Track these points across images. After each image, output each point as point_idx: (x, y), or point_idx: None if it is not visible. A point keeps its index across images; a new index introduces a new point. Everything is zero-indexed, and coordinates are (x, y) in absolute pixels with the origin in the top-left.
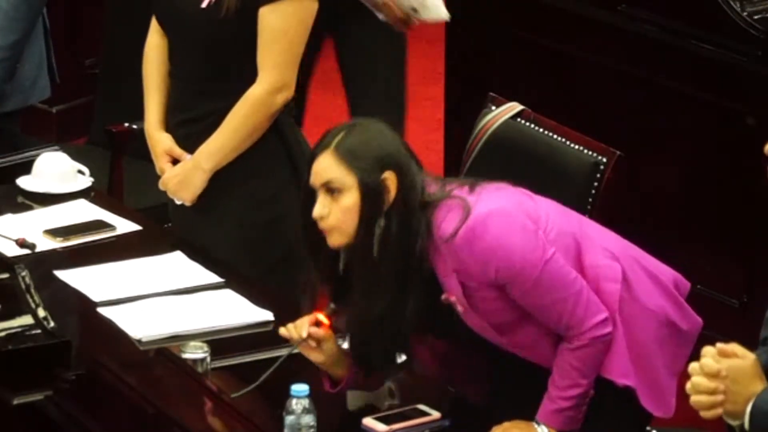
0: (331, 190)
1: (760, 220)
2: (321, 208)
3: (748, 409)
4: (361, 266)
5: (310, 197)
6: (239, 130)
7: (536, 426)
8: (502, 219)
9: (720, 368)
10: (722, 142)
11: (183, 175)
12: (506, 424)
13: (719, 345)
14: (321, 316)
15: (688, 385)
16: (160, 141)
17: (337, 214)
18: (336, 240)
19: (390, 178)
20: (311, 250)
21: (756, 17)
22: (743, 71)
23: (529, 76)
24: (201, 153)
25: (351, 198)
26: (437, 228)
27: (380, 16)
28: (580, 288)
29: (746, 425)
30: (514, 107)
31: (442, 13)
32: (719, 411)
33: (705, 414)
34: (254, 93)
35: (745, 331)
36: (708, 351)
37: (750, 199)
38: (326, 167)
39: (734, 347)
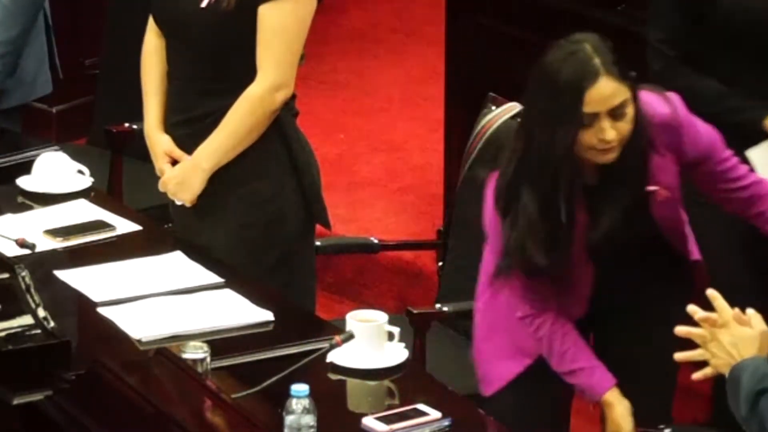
0: (617, 109)
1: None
2: (612, 131)
3: (727, 372)
4: (632, 174)
5: (576, 126)
6: (238, 129)
7: None
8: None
9: (713, 317)
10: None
11: (182, 175)
12: None
13: (737, 312)
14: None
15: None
16: (159, 142)
17: (626, 128)
18: (614, 154)
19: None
20: (571, 176)
21: None
22: None
23: (529, 76)
24: (200, 153)
25: (631, 109)
26: (650, 115)
27: None
28: None
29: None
30: (514, 107)
31: None
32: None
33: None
34: (253, 92)
35: None
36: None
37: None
38: (613, 92)
39: (751, 316)
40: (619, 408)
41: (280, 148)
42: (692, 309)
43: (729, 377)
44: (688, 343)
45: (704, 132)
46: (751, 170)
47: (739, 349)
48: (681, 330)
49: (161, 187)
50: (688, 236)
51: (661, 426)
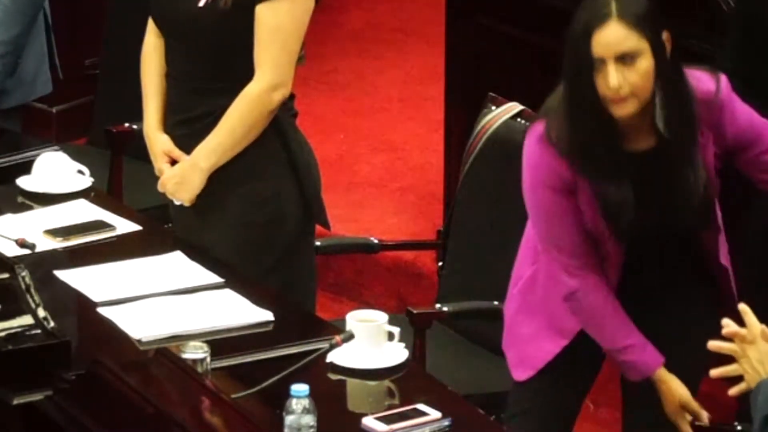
0: (626, 58)
1: (760, 220)
2: (616, 77)
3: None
4: (671, 126)
5: (588, 70)
6: (236, 128)
7: None
8: None
9: (742, 332)
10: None
11: (181, 175)
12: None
13: (764, 327)
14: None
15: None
16: (158, 142)
17: (635, 80)
18: (629, 108)
19: (667, 37)
20: (597, 123)
21: None
22: None
23: (529, 76)
24: (198, 152)
25: (646, 61)
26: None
27: None
28: None
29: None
30: (514, 107)
31: None
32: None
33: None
34: (251, 91)
35: None
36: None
37: (750, 199)
38: (620, 37)
39: None
40: (675, 381)
41: (279, 148)
42: (726, 322)
43: (752, 393)
44: (711, 352)
45: (745, 115)
46: None
47: (765, 366)
48: (713, 345)
49: (160, 188)
50: (720, 234)
51: (735, 423)
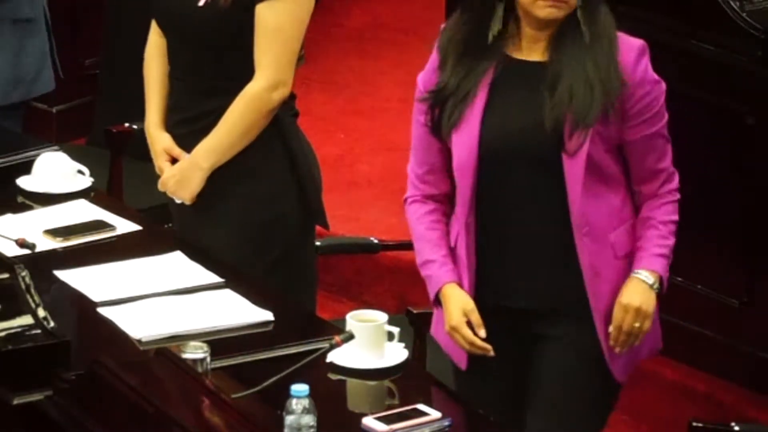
0: None
1: (759, 220)
2: None
3: None
4: (566, 44)
5: None
6: (236, 127)
7: (637, 274)
8: None
9: None
10: (722, 142)
11: (181, 174)
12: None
13: None
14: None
15: None
16: (159, 140)
17: None
18: (560, 12)
19: None
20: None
21: (756, 17)
22: (743, 71)
23: None
24: (198, 151)
25: None
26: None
27: None
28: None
29: None
30: None
31: None
32: None
33: None
34: (251, 90)
35: (745, 331)
36: None
37: (750, 199)
38: None
39: None
40: (462, 295)
41: (279, 148)
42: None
43: None
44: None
45: (655, 88)
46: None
47: None
48: None
49: (160, 187)
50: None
51: (732, 423)
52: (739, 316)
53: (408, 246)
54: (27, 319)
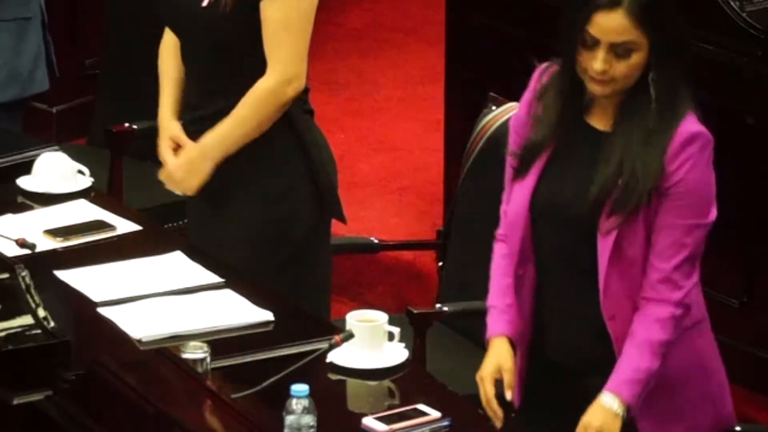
0: (620, 49)
1: (759, 220)
2: (603, 64)
3: None
4: (632, 117)
5: (579, 35)
6: (247, 119)
7: (603, 397)
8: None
9: None
10: (722, 142)
11: (189, 164)
12: (585, 420)
13: None
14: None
15: None
16: (168, 128)
17: (622, 70)
18: (606, 90)
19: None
20: (567, 85)
21: (756, 17)
22: (743, 71)
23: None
24: (207, 141)
25: (640, 57)
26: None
27: None
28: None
29: None
30: (514, 107)
31: None
32: None
33: None
34: (263, 84)
35: (745, 331)
36: None
37: (750, 199)
38: (621, 28)
39: None
40: (505, 351)
41: (292, 144)
42: None
43: None
44: None
45: (700, 185)
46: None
47: None
48: None
49: (162, 177)
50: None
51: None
52: (739, 316)
53: (408, 246)
54: (27, 319)
